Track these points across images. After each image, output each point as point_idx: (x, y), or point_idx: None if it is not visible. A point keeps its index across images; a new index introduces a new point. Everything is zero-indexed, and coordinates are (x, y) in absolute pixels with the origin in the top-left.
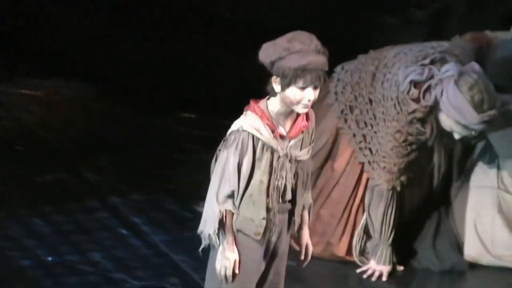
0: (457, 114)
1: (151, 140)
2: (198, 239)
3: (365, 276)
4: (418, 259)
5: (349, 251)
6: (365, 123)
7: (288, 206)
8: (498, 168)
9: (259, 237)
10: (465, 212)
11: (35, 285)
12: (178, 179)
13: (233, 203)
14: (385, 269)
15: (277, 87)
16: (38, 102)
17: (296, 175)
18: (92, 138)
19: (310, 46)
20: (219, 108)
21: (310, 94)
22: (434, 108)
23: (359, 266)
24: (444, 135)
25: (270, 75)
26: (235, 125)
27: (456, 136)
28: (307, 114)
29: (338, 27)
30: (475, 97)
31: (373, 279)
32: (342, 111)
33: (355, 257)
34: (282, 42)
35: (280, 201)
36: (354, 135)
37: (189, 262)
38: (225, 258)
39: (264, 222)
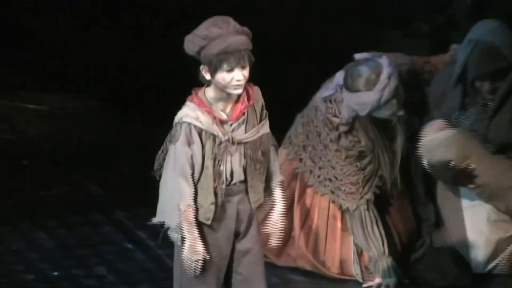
0: (360, 107)
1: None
2: None
3: None
4: (418, 273)
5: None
6: (319, 157)
7: (241, 186)
8: None
9: (209, 222)
10: (465, 233)
11: None
12: None
13: (192, 196)
14: (391, 282)
15: (206, 75)
16: (42, 116)
17: (245, 157)
18: (97, 152)
19: (228, 29)
20: None
21: (238, 75)
22: (355, 118)
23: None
24: (381, 137)
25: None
26: (177, 117)
27: (401, 113)
28: (248, 94)
29: (340, 40)
30: (355, 84)
31: None
32: (296, 153)
33: (357, 276)
34: (200, 31)
35: (228, 184)
36: (311, 172)
37: None
38: (194, 252)
39: (212, 207)
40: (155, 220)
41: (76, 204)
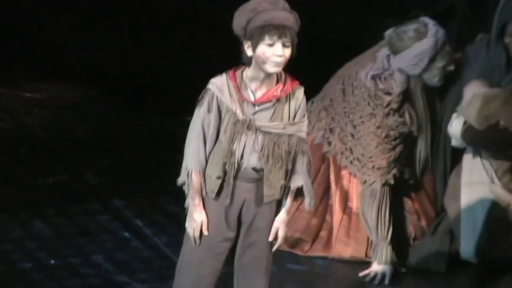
0: (419, 59)
1: (154, 142)
2: None
3: (367, 279)
4: (416, 259)
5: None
6: (348, 136)
7: (253, 174)
8: (489, 163)
9: (213, 195)
10: (460, 210)
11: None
12: None
13: (200, 162)
14: (387, 270)
15: (249, 51)
16: (40, 104)
17: (263, 148)
18: (95, 141)
19: (277, 5)
20: None
21: (279, 49)
22: (406, 93)
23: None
24: (427, 118)
25: None
26: (208, 84)
27: (452, 68)
28: (284, 85)
29: (340, 30)
30: (405, 42)
31: (376, 282)
32: (323, 136)
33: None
34: (249, 4)
35: (239, 166)
36: (342, 153)
37: None
38: (193, 220)
39: (218, 181)
40: (180, 180)
41: (73, 193)
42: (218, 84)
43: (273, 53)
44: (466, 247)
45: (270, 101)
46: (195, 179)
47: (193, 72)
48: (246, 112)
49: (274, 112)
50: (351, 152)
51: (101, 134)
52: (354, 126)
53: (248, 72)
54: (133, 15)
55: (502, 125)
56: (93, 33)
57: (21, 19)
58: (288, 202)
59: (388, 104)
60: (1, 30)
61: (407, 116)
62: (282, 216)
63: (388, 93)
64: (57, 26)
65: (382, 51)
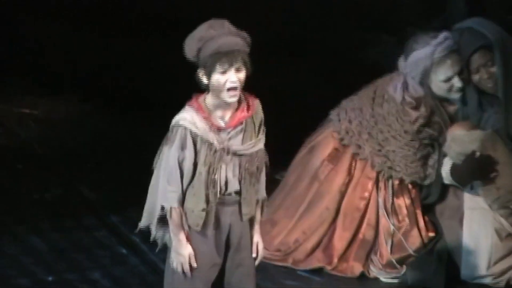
0: (416, 65)
1: (151, 157)
2: None
3: None
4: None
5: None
6: (377, 144)
7: (236, 198)
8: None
9: (198, 228)
10: (460, 235)
11: None
12: None
13: (178, 199)
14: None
15: (204, 79)
16: (36, 120)
17: (240, 169)
18: (90, 156)
19: (222, 30)
20: None
21: (232, 77)
22: (428, 102)
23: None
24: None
25: None
26: (174, 120)
27: (459, 84)
28: (248, 105)
29: (334, 47)
30: (413, 46)
31: None
32: (351, 137)
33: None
34: (196, 33)
35: (223, 193)
36: (372, 157)
37: None
38: (179, 255)
39: (203, 213)
40: (142, 224)
41: (70, 208)
42: (189, 118)
43: (227, 79)
44: (467, 272)
45: (241, 123)
46: (176, 215)
47: (191, 85)
48: (221, 139)
49: (244, 133)
50: (388, 159)
51: (97, 148)
52: (386, 139)
53: (209, 99)
54: (126, 29)
55: (478, 154)
56: (87, 48)
57: (15, 34)
58: (259, 214)
59: (416, 120)
60: None
61: (436, 126)
62: (258, 230)
63: (415, 108)
64: (51, 41)
65: (401, 58)
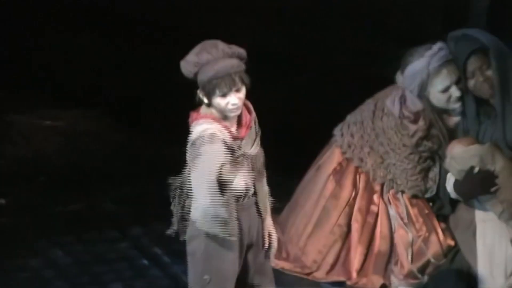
0: (412, 78)
1: (172, 169)
2: None
3: None
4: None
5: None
6: (379, 157)
7: (252, 200)
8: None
9: (235, 238)
10: (475, 248)
11: None
12: None
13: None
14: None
15: (205, 99)
16: (58, 132)
17: (253, 170)
18: (113, 168)
19: (217, 54)
20: None
21: (233, 99)
22: (426, 115)
23: None
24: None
25: None
26: (195, 134)
27: (457, 93)
28: (247, 108)
29: (353, 59)
30: (408, 59)
31: None
32: (353, 151)
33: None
34: (191, 57)
35: (245, 199)
36: (374, 170)
37: None
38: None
39: (236, 222)
40: (198, 225)
41: (92, 221)
42: (213, 127)
43: (228, 102)
44: (485, 285)
45: (250, 128)
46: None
47: None
48: (239, 146)
49: (250, 137)
50: (389, 171)
51: (120, 161)
52: (386, 152)
53: (215, 112)
54: (150, 42)
55: (477, 169)
56: (110, 61)
57: (39, 47)
58: (268, 206)
59: (415, 133)
60: (20, 58)
61: (435, 139)
62: (270, 220)
63: (414, 121)
64: (74, 54)
65: (398, 72)
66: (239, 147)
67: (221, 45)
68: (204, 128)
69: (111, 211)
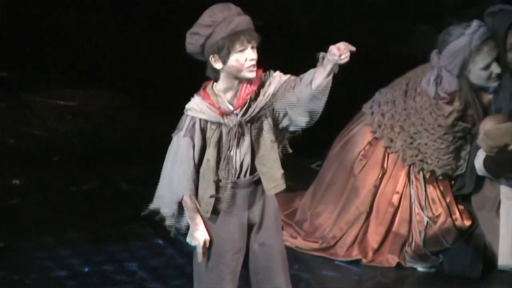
0: (453, 58)
1: None
2: None
3: None
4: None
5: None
6: (409, 138)
7: (251, 179)
8: None
9: (208, 215)
10: (497, 224)
11: None
12: None
13: (191, 187)
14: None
15: (217, 64)
16: (72, 112)
17: (252, 140)
18: (127, 148)
19: (232, 11)
20: None
21: (251, 54)
22: (462, 95)
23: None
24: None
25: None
26: (185, 110)
27: (498, 70)
28: (249, 82)
29: (370, 36)
30: (447, 39)
31: None
32: (383, 130)
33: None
34: (203, 20)
35: (238, 176)
36: (404, 151)
37: None
38: (194, 239)
39: (212, 200)
40: (152, 206)
41: (106, 200)
42: (196, 108)
43: (246, 58)
44: (505, 261)
45: (246, 101)
46: (189, 202)
47: None
48: (231, 121)
49: (249, 107)
50: (419, 151)
51: (134, 140)
52: (418, 132)
53: (218, 85)
54: (165, 21)
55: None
56: (125, 40)
57: (53, 28)
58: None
59: (450, 114)
60: (34, 38)
61: (470, 119)
62: (275, 200)
63: (449, 102)
64: (88, 33)
65: (434, 51)
66: (233, 121)
67: (233, 5)
68: (189, 106)
69: (126, 190)
